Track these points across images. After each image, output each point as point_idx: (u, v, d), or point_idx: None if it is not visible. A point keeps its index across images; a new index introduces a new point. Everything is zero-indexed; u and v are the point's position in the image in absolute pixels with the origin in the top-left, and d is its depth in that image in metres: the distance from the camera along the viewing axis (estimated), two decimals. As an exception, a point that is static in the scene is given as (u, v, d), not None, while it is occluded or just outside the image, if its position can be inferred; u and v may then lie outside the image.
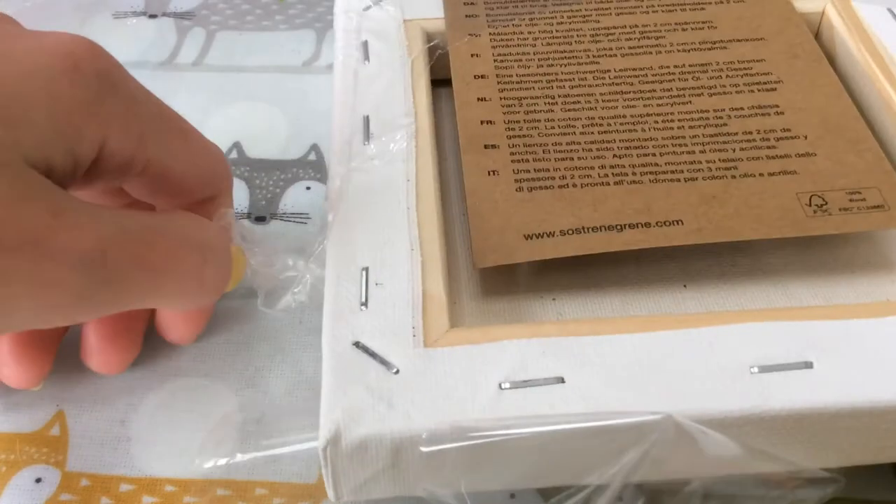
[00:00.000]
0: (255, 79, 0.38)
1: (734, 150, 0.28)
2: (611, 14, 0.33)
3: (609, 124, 0.29)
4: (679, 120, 0.29)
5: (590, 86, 0.30)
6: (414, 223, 0.25)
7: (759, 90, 0.30)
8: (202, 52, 0.40)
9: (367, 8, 0.33)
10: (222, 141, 0.35)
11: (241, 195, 0.33)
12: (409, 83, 0.30)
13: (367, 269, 0.24)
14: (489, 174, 0.27)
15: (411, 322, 0.23)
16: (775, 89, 0.30)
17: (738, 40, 0.32)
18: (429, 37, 0.32)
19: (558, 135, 0.28)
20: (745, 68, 0.31)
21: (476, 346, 0.22)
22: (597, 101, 0.30)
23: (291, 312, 0.29)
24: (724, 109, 0.29)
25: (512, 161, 0.28)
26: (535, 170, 0.27)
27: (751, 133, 0.28)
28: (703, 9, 0.33)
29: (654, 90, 0.30)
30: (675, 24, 0.33)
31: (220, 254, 0.23)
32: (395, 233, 0.25)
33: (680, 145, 0.28)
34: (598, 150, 0.28)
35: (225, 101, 0.37)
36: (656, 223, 0.26)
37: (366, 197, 0.26)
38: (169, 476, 0.26)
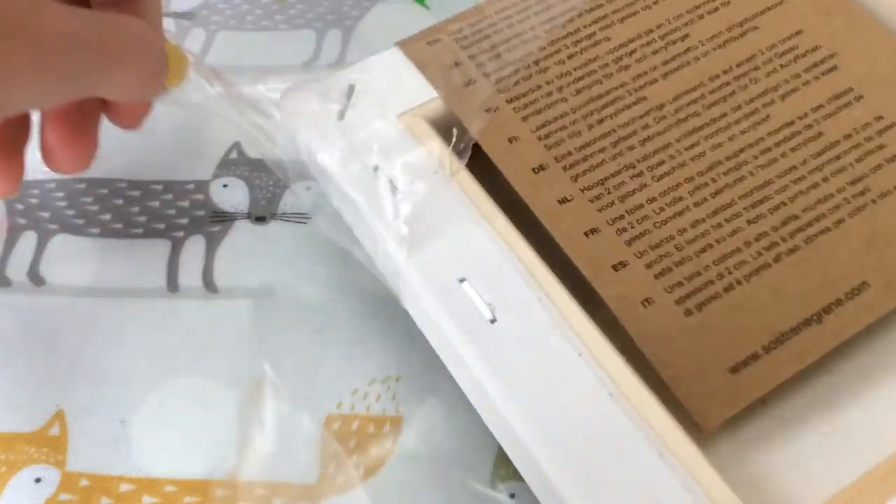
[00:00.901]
0: (255, 79, 0.38)
1: (852, 165, 0.25)
2: (613, 24, 0.29)
3: (713, 179, 0.25)
4: (775, 145, 0.26)
5: (658, 133, 0.26)
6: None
7: (821, 74, 0.27)
8: (202, 52, 0.40)
9: (341, 118, 0.27)
10: (222, 141, 0.35)
11: (241, 195, 0.33)
12: (472, 215, 0.25)
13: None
14: (643, 304, 0.23)
15: None
16: (835, 67, 0.27)
17: (762, 12, 0.28)
18: (436, 126, 0.27)
19: (673, 216, 0.25)
20: (791, 49, 0.28)
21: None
22: (678, 151, 0.26)
23: (291, 311, 0.30)
24: (806, 114, 0.26)
25: (655, 277, 0.24)
26: (684, 278, 0.24)
27: (850, 136, 0.26)
28: None
29: (725, 113, 0.27)
30: (688, 12, 0.29)
31: (153, 47, 0.25)
32: None
33: (799, 179, 0.25)
34: (726, 220, 0.24)
35: (224, 100, 0.37)
36: (846, 295, 0.23)
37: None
38: (169, 476, 0.26)
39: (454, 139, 0.26)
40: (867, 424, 0.23)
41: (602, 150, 0.26)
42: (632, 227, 0.24)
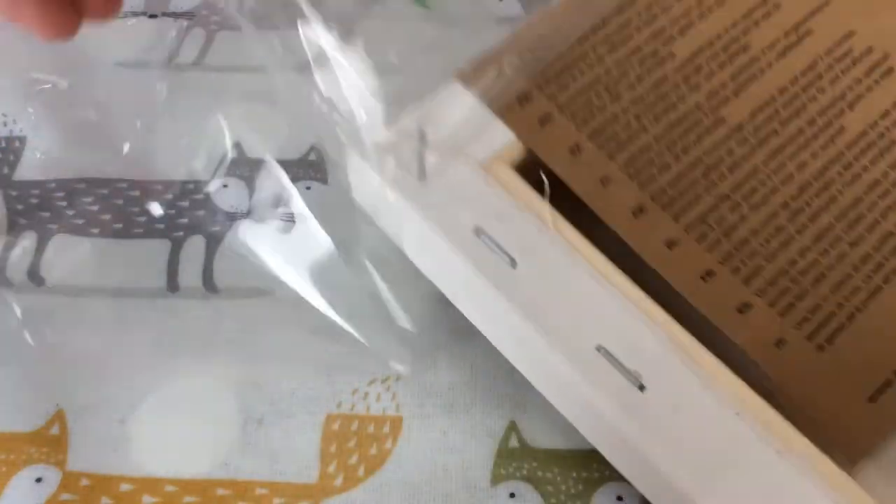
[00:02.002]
0: (255, 79, 0.38)
1: None
2: (674, 38, 0.27)
3: (807, 203, 0.25)
4: (854, 159, 0.26)
5: (744, 158, 0.26)
6: None
7: (880, 77, 0.27)
8: (202, 52, 0.40)
9: (423, 177, 0.25)
10: (222, 141, 0.35)
11: (241, 195, 0.33)
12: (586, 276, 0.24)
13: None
14: (777, 346, 0.23)
15: None
16: (892, 69, 0.27)
17: (812, 14, 0.28)
18: (520, 170, 0.25)
19: (780, 248, 0.24)
20: (846, 53, 0.27)
21: None
22: (767, 176, 0.25)
23: (291, 311, 0.30)
24: (876, 123, 0.26)
25: (780, 315, 0.23)
26: (808, 312, 0.23)
27: None
28: None
29: (801, 128, 0.26)
30: (743, 18, 0.28)
31: None
32: None
33: (885, 194, 0.25)
34: (830, 246, 0.24)
35: (225, 101, 0.37)
36: None
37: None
38: (169, 476, 0.26)
39: (546, 187, 0.24)
40: None
41: (694, 183, 0.25)
42: (744, 265, 0.24)
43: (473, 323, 0.25)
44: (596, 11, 0.27)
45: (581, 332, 0.23)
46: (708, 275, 0.24)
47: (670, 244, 0.24)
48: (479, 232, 0.24)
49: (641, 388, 0.22)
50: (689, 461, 0.21)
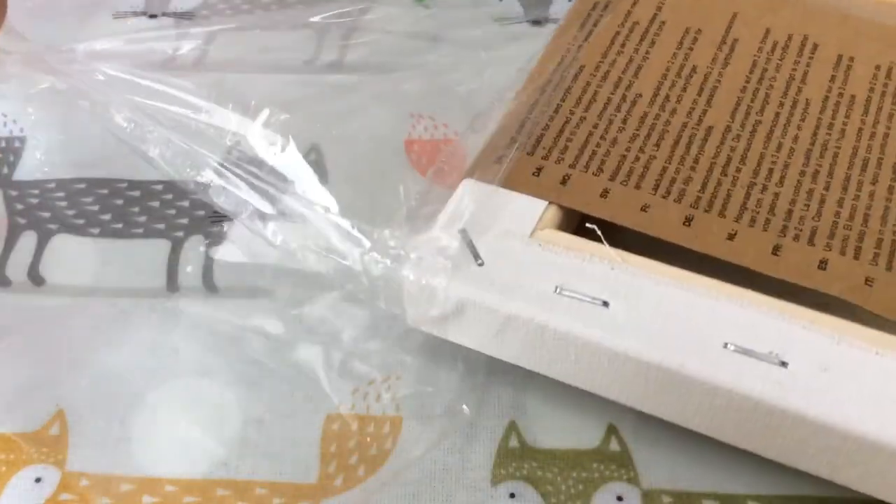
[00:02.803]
0: (255, 79, 0.38)
1: None
2: (633, 83, 0.31)
3: (818, 165, 0.28)
4: (831, 118, 0.29)
5: (746, 149, 0.28)
6: None
7: (811, 53, 0.31)
8: (202, 53, 0.40)
9: (480, 261, 0.25)
10: (223, 141, 0.35)
11: (241, 195, 0.33)
12: None
13: None
14: (867, 283, 0.25)
15: None
16: (816, 45, 0.31)
17: (729, 26, 0.32)
18: (566, 227, 0.27)
19: (819, 204, 0.27)
20: (774, 45, 0.31)
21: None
22: (774, 156, 0.28)
23: (291, 311, 0.30)
24: (830, 88, 0.30)
25: (854, 258, 0.26)
26: (874, 248, 0.26)
27: None
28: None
29: (777, 112, 0.29)
30: (678, 49, 0.32)
31: None
32: None
33: (873, 136, 0.29)
34: (857, 188, 0.27)
35: (225, 101, 0.37)
36: None
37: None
38: (169, 476, 0.26)
39: (598, 231, 0.26)
40: None
41: (720, 183, 0.27)
42: (801, 231, 0.26)
43: (574, 384, 0.25)
44: (558, 85, 0.30)
45: (700, 337, 0.23)
46: (776, 250, 0.26)
47: (730, 237, 0.26)
48: (560, 290, 0.24)
49: (784, 364, 0.23)
50: (860, 407, 0.22)
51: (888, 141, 0.29)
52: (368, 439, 0.27)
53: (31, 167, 0.34)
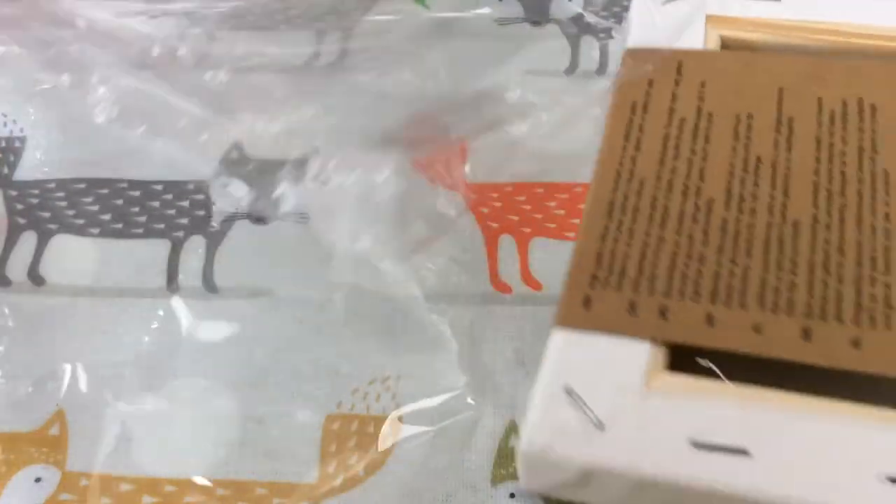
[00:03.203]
0: (256, 79, 0.38)
1: None
2: (701, 188, 0.28)
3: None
4: None
5: (838, 238, 0.26)
6: None
7: (871, 115, 0.28)
8: (203, 53, 0.40)
9: (601, 427, 0.23)
10: (222, 141, 0.35)
11: (241, 195, 0.33)
12: None
13: None
14: None
15: None
16: (874, 106, 0.29)
17: (779, 105, 0.29)
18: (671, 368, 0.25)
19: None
20: (832, 115, 0.29)
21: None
22: (867, 239, 0.26)
23: (291, 311, 0.30)
24: None
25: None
26: None
27: None
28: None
29: (860, 190, 0.27)
30: (734, 141, 0.29)
31: None
32: None
33: None
34: None
35: (225, 101, 0.37)
36: None
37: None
38: (169, 476, 0.26)
39: (718, 373, 0.24)
40: None
41: (826, 283, 0.25)
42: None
43: None
44: (624, 207, 0.27)
45: (854, 474, 0.22)
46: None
47: (854, 344, 0.24)
48: (694, 445, 0.22)
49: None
50: None
51: None
52: (368, 439, 0.27)
53: (31, 167, 0.34)
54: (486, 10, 0.41)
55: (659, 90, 0.30)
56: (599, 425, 0.23)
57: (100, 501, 0.25)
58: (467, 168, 0.34)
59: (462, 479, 0.26)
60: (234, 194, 0.33)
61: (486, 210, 0.33)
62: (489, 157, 0.35)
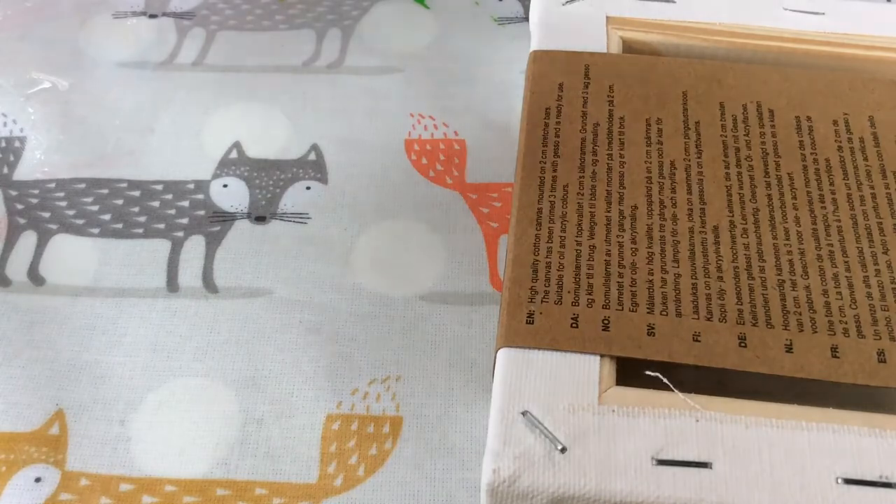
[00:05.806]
0: (255, 79, 0.38)
1: None
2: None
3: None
4: None
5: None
6: None
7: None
8: (202, 52, 0.40)
9: (563, 450, 0.22)
10: (222, 141, 0.35)
11: (241, 195, 0.33)
12: None
13: None
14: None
15: None
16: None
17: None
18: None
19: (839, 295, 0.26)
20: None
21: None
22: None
23: (291, 311, 0.30)
24: None
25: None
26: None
27: None
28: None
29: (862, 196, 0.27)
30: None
31: None
32: None
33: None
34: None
35: (225, 101, 0.37)
36: None
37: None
38: (169, 476, 0.26)
39: (668, 384, 0.24)
40: None
41: (752, 288, 0.25)
42: (846, 325, 0.24)
43: None
44: (551, 214, 0.27)
45: (812, 475, 0.22)
46: (834, 351, 0.24)
47: (787, 348, 0.24)
48: (656, 461, 0.22)
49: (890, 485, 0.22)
50: None
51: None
52: (368, 439, 0.27)
53: (31, 167, 0.34)
54: (486, 10, 0.41)
55: (569, 94, 0.30)
56: (562, 449, 0.22)
57: (100, 501, 0.25)
58: (467, 168, 0.34)
59: (462, 479, 0.26)
60: (234, 194, 0.33)
61: (486, 210, 0.33)
62: (489, 157, 0.35)
